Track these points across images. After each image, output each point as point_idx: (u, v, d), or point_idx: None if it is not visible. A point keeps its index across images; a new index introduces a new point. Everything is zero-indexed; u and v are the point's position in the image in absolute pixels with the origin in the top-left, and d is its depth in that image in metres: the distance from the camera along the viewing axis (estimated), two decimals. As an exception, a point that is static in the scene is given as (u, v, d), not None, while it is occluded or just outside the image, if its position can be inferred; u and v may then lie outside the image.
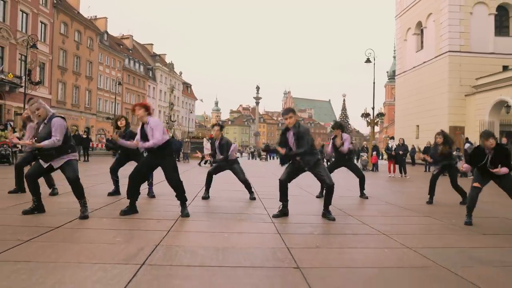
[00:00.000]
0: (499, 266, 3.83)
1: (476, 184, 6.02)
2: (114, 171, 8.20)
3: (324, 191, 6.26)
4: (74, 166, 5.67)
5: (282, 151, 6.18)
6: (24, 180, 6.41)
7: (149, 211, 6.38)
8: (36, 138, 5.48)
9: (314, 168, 6.14)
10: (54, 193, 7.74)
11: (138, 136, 6.05)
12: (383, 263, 3.81)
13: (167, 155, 6.01)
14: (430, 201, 8.33)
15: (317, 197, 8.66)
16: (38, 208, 5.75)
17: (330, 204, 6.20)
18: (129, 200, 6.00)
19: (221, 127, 8.19)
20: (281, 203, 6.31)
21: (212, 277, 3.26)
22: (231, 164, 8.19)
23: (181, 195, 6.05)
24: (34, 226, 4.88)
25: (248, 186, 8.29)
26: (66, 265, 3.41)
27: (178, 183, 5.98)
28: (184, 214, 5.96)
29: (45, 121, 5.55)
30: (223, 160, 8.07)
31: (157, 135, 5.80)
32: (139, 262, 3.54)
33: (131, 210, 5.94)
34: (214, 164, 8.44)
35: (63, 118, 5.73)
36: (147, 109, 5.94)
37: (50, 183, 7.89)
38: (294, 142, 6.09)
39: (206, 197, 8.06)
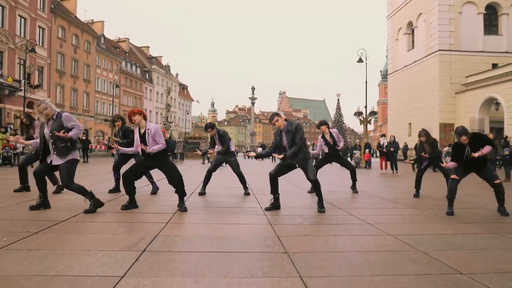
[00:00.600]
0: (471, 249, 4.12)
1: (454, 176, 6.35)
2: (116, 169, 8.47)
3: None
4: (69, 169, 5.82)
5: (279, 157, 6.52)
6: (28, 179, 6.76)
7: (148, 205, 6.65)
8: (50, 134, 5.77)
9: (302, 163, 6.38)
10: (58, 191, 8.00)
11: (137, 141, 6.19)
12: (365, 248, 4.10)
13: (164, 157, 6.30)
14: (416, 194, 8.63)
15: (309, 192, 8.94)
16: (44, 204, 6.03)
17: (321, 198, 6.45)
18: (128, 196, 6.28)
19: (212, 126, 8.56)
20: (272, 197, 6.58)
21: (207, 260, 3.54)
22: (228, 157, 8.53)
23: (181, 190, 6.29)
24: (41, 220, 5.15)
25: (243, 180, 8.62)
26: (73, 252, 3.69)
27: (179, 180, 6.25)
28: (182, 208, 6.18)
29: (54, 117, 5.85)
30: (225, 151, 8.47)
31: (162, 140, 6.18)
32: (140, 249, 3.82)
33: (131, 205, 6.22)
34: (212, 161, 8.77)
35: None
36: (143, 114, 6.15)
37: (54, 181, 8.15)
38: (287, 142, 6.36)
39: (202, 193, 8.36)
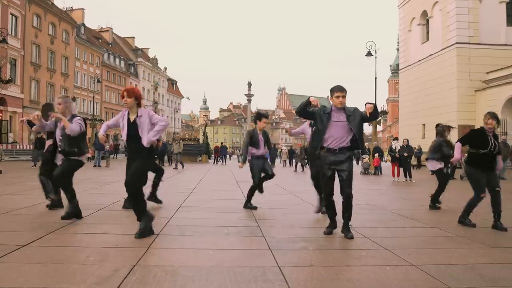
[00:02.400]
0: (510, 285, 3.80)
1: (484, 195, 6.52)
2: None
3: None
4: (68, 166, 6.44)
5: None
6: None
7: (129, 224, 6.30)
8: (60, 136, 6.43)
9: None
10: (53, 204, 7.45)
11: (124, 131, 5.63)
12: (385, 284, 3.77)
13: (148, 156, 5.67)
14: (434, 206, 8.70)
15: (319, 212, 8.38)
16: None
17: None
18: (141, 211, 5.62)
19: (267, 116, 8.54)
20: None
21: (194, 303, 3.20)
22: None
23: (134, 204, 5.56)
24: (-2, 244, 4.80)
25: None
26: (30, 291, 3.34)
27: (134, 188, 5.45)
28: (137, 234, 5.34)
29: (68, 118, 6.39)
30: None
31: (162, 118, 5.68)
32: (112, 287, 3.48)
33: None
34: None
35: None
36: (138, 98, 5.61)
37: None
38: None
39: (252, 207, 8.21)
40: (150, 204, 7.73)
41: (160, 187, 8.47)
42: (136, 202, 5.54)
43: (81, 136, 6.51)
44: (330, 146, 5.63)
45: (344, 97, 5.67)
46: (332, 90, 5.75)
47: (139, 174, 5.47)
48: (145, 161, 5.57)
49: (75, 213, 6.40)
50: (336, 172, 5.67)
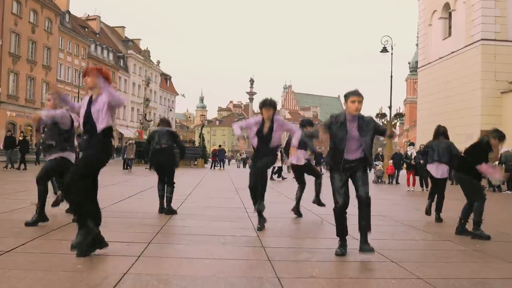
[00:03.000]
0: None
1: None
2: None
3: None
4: (53, 167, 6.85)
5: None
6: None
7: (119, 231, 6.52)
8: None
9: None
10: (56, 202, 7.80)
11: (82, 111, 5.19)
12: (388, 297, 4.00)
13: (99, 147, 5.11)
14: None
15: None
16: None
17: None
18: None
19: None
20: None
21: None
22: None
23: (80, 214, 5.00)
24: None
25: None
26: (17, 297, 3.56)
27: (78, 193, 4.94)
28: (78, 252, 4.86)
29: None
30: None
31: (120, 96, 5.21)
32: (102, 295, 3.71)
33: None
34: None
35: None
36: (101, 74, 5.16)
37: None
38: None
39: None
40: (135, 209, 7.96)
41: (149, 193, 8.71)
42: (77, 208, 5.07)
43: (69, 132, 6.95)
44: (345, 157, 5.51)
45: (360, 102, 5.51)
46: (347, 95, 5.58)
47: (83, 168, 5.04)
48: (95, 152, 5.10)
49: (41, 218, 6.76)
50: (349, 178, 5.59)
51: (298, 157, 8.43)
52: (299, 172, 8.94)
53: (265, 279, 4.35)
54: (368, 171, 5.61)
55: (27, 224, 6.52)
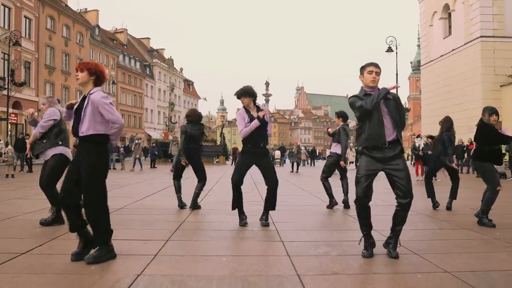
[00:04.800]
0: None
1: (500, 188, 6.48)
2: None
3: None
4: (54, 167, 6.07)
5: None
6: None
7: (137, 229, 6.01)
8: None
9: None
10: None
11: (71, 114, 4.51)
12: (417, 295, 3.40)
13: (99, 152, 4.31)
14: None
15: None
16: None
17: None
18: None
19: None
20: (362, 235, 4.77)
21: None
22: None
23: (96, 229, 4.25)
24: (-4, 252, 4.54)
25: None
26: (21, 306, 3.05)
27: (95, 202, 4.25)
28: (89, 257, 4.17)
29: None
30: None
31: (115, 114, 4.27)
32: (111, 300, 3.17)
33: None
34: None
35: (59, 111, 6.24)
36: (93, 74, 4.37)
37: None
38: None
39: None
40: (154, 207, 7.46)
41: (170, 189, 8.23)
42: (99, 221, 4.28)
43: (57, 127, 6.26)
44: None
45: (378, 74, 4.59)
46: (364, 67, 4.68)
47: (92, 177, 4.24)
48: (90, 161, 4.25)
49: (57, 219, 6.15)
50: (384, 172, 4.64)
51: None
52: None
53: (284, 277, 3.78)
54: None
55: (42, 223, 6.05)
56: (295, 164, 26.45)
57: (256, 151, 6.26)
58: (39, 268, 4.03)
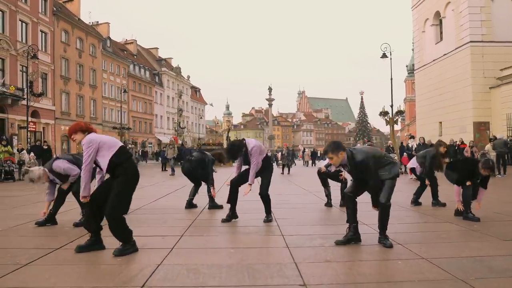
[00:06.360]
0: (518, 275, 3.82)
1: (469, 183, 6.79)
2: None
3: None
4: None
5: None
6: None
7: (155, 226, 6.45)
8: None
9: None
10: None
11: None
12: (395, 277, 3.82)
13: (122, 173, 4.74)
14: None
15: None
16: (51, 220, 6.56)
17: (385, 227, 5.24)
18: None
19: None
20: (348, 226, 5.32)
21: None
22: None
23: (121, 237, 4.75)
24: (33, 248, 4.98)
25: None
26: (64, 290, 3.49)
27: (117, 216, 4.70)
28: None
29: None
30: None
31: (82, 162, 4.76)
32: (138, 285, 3.61)
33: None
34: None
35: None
36: (81, 130, 4.99)
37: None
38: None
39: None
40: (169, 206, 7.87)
41: (181, 191, 8.62)
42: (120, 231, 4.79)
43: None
44: None
45: (331, 158, 5.11)
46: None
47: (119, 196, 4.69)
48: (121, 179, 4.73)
49: None
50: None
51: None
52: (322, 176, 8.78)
53: (283, 265, 4.22)
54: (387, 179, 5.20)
55: (76, 225, 6.42)
56: (288, 165, 24.48)
57: None
58: (73, 260, 4.48)
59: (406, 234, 5.78)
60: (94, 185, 4.83)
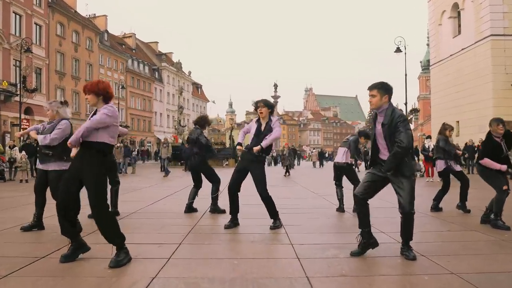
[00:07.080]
0: None
1: (506, 187, 6.46)
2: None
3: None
4: (57, 182, 5.82)
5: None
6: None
7: (151, 233, 6.18)
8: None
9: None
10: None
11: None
12: (422, 295, 3.54)
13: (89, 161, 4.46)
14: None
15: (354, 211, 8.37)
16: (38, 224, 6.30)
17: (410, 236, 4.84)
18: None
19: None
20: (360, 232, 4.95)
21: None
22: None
23: (112, 238, 4.53)
24: (16, 256, 4.73)
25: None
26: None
27: (101, 211, 4.49)
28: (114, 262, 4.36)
29: (54, 121, 6.14)
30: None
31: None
32: (129, 302, 3.34)
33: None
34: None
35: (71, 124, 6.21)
36: (102, 94, 4.60)
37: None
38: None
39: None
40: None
41: (181, 193, 8.38)
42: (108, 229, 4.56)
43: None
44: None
45: (373, 96, 4.77)
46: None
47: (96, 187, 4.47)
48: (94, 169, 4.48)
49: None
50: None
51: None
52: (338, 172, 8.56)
53: (294, 279, 3.93)
54: (405, 177, 4.82)
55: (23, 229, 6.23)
56: (288, 167, 24.23)
57: (244, 156, 6.73)
58: (58, 271, 4.21)
59: (429, 244, 5.48)
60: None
